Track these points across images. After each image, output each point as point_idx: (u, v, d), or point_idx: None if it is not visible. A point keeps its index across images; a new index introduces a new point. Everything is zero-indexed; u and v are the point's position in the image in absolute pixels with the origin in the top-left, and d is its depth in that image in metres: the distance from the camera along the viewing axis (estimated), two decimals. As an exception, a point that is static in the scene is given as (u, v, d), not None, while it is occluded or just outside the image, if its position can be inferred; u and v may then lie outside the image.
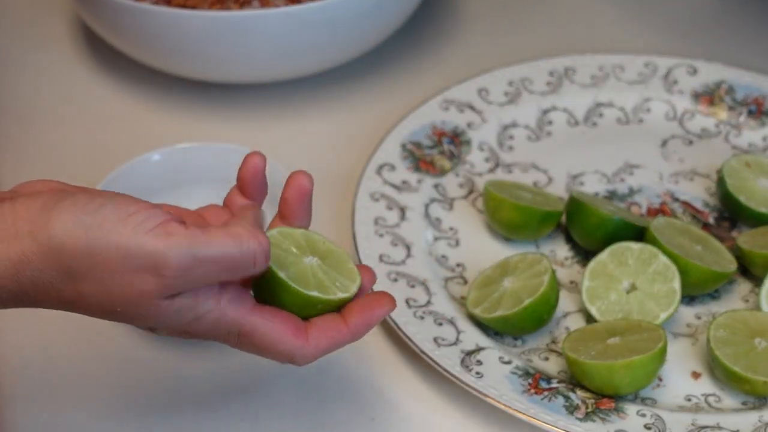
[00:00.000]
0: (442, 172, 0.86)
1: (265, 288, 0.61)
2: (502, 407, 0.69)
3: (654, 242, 0.76)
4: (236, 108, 0.95)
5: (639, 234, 0.78)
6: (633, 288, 0.75)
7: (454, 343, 0.73)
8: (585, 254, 0.81)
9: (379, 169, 0.85)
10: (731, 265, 0.77)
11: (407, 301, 0.75)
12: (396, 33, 0.99)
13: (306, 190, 0.63)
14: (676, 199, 0.85)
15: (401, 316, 0.74)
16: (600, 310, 0.75)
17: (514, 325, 0.74)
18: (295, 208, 0.63)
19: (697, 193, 0.86)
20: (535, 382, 0.71)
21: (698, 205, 0.85)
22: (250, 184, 0.65)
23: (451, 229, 0.83)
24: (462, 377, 0.70)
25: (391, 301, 0.62)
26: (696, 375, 0.73)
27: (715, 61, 0.94)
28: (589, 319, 0.76)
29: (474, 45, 1.02)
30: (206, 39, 0.88)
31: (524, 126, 0.91)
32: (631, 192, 0.86)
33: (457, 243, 0.82)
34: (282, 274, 0.59)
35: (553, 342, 0.75)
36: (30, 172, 0.90)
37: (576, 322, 0.77)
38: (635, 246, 0.76)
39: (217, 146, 0.82)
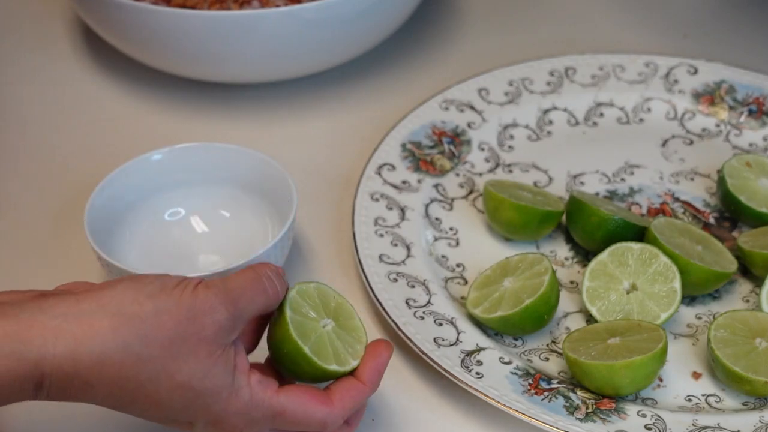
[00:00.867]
0: (442, 172, 0.86)
1: (287, 359, 0.64)
2: (502, 407, 0.69)
3: (654, 242, 0.76)
4: (236, 108, 0.95)
5: (639, 234, 0.78)
6: (633, 288, 0.75)
7: (454, 344, 0.73)
8: (585, 254, 0.81)
9: (379, 169, 0.85)
10: (732, 265, 0.77)
11: (407, 301, 0.75)
12: (396, 33, 0.99)
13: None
14: (677, 199, 0.85)
15: (401, 316, 0.74)
16: (600, 310, 0.75)
17: (515, 325, 0.74)
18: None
19: (698, 193, 0.86)
20: (535, 382, 0.71)
21: (699, 205, 0.85)
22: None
23: (451, 229, 0.83)
24: (462, 377, 0.70)
25: (390, 345, 0.66)
26: (696, 375, 0.73)
27: (716, 61, 0.94)
28: (590, 319, 0.76)
29: (474, 45, 1.02)
30: (206, 39, 0.88)
31: (524, 126, 0.91)
32: (632, 192, 0.86)
33: (457, 243, 0.82)
34: (306, 350, 0.64)
35: (554, 342, 0.75)
36: (30, 171, 0.90)
37: (576, 323, 0.76)
38: (635, 246, 0.76)
39: (217, 146, 0.82)
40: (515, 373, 0.71)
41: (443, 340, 0.73)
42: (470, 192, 0.86)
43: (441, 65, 0.99)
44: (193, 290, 0.60)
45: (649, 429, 0.69)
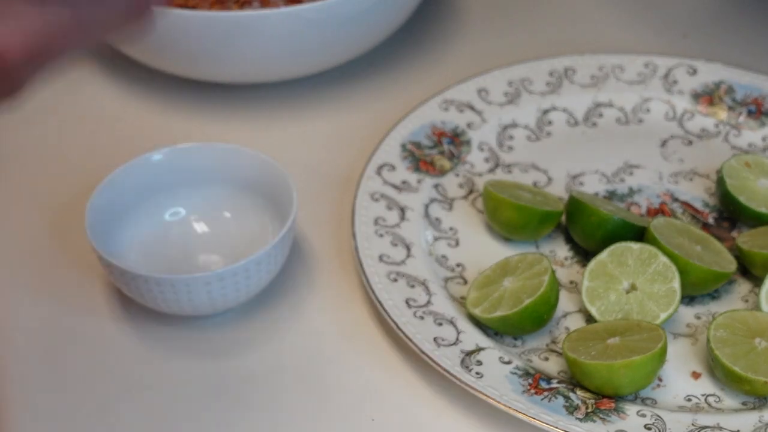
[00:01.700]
0: (442, 172, 0.86)
1: None
2: (502, 407, 0.69)
3: (654, 242, 0.76)
4: (236, 108, 0.95)
5: (639, 234, 0.78)
6: (633, 288, 0.75)
7: (454, 343, 0.73)
8: (585, 254, 0.81)
9: (379, 169, 0.85)
10: (731, 265, 0.77)
11: (407, 301, 0.75)
12: (396, 33, 0.99)
13: None
14: (676, 199, 0.85)
15: (401, 316, 0.74)
16: (600, 310, 0.75)
17: (514, 325, 0.74)
18: None
19: (697, 193, 0.86)
20: (535, 382, 0.71)
21: (698, 205, 0.85)
22: None
23: (451, 229, 0.83)
24: (462, 377, 0.71)
25: None
26: (696, 375, 0.73)
27: (715, 61, 0.94)
28: (589, 319, 0.76)
29: (474, 45, 1.02)
30: (206, 39, 0.88)
31: (524, 126, 0.91)
32: (631, 192, 0.86)
33: (457, 243, 0.82)
34: None
35: (553, 342, 0.75)
36: (30, 171, 0.90)
37: (576, 322, 0.77)
38: (635, 246, 0.76)
39: (217, 146, 0.82)
40: (515, 373, 0.72)
41: (443, 339, 0.73)
42: (470, 192, 0.86)
43: (441, 65, 0.99)
44: None
45: (649, 429, 0.69)
